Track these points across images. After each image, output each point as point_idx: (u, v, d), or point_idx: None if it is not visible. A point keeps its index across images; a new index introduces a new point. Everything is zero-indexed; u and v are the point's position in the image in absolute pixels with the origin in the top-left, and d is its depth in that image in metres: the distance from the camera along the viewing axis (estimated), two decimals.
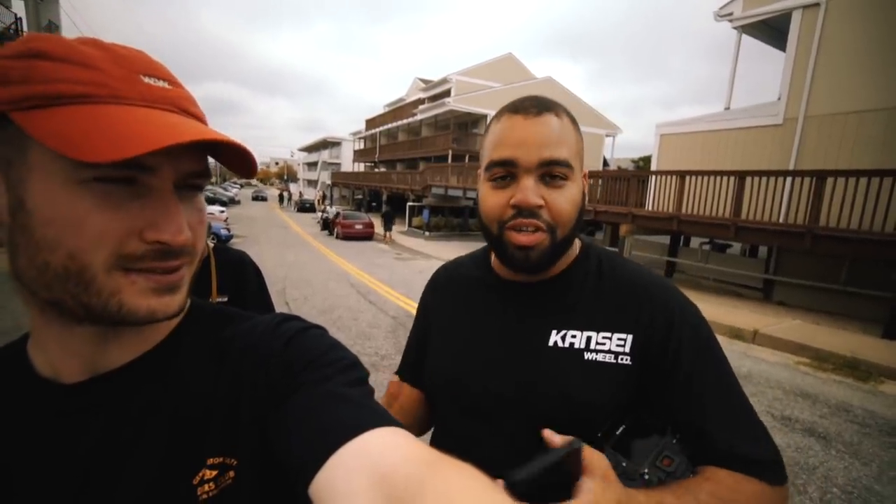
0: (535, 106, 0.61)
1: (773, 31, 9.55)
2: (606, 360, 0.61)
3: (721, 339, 0.70)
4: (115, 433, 0.38)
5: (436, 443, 0.76)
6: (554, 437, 0.55)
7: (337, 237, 17.02)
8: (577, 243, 0.70)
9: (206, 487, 0.39)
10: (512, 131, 0.60)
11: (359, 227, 16.93)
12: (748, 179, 7.34)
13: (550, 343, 0.63)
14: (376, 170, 33.81)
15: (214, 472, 0.39)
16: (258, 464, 0.40)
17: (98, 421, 0.39)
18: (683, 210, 8.22)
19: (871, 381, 4.60)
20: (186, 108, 0.39)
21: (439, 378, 0.72)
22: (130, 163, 0.32)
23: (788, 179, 7.08)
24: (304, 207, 33.79)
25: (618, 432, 0.60)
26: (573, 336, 0.63)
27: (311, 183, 51.33)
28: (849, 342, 5.56)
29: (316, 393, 0.39)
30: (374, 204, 29.62)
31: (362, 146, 39.22)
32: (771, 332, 5.85)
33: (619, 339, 0.62)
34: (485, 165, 0.64)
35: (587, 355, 0.61)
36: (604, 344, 0.62)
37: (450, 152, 22.77)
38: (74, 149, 0.30)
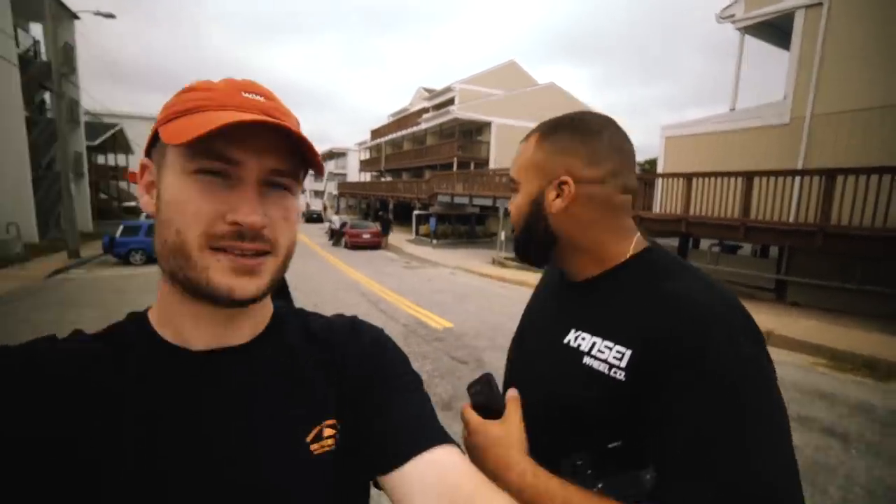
0: (532, 130, 0.74)
1: (776, 30, 9.55)
2: (600, 368, 0.59)
3: None
4: (246, 393, 0.46)
5: None
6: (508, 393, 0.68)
7: (345, 247, 17.14)
8: (626, 250, 0.67)
9: (317, 445, 0.47)
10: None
11: (366, 236, 17.05)
12: (756, 180, 7.32)
13: (565, 341, 0.67)
14: (382, 179, 34.07)
15: (323, 434, 0.47)
16: (350, 437, 0.49)
17: (231, 383, 0.46)
18: (691, 212, 8.19)
19: (892, 380, 4.53)
20: (275, 115, 0.44)
21: (507, 363, 0.82)
22: (221, 155, 0.40)
23: (797, 178, 7.05)
24: (312, 218, 34.19)
25: (610, 446, 0.57)
26: (582, 338, 0.64)
27: (318, 194, 51.75)
28: (866, 341, 5.49)
29: (404, 400, 0.51)
30: (381, 213, 29.82)
31: (368, 156, 39.53)
32: (786, 332, 5.79)
33: (617, 350, 0.58)
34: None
35: (585, 359, 0.62)
36: (603, 353, 0.60)
37: (455, 160, 22.90)
38: (169, 137, 0.40)
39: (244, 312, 0.47)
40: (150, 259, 12.21)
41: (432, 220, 18.88)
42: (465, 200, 17.64)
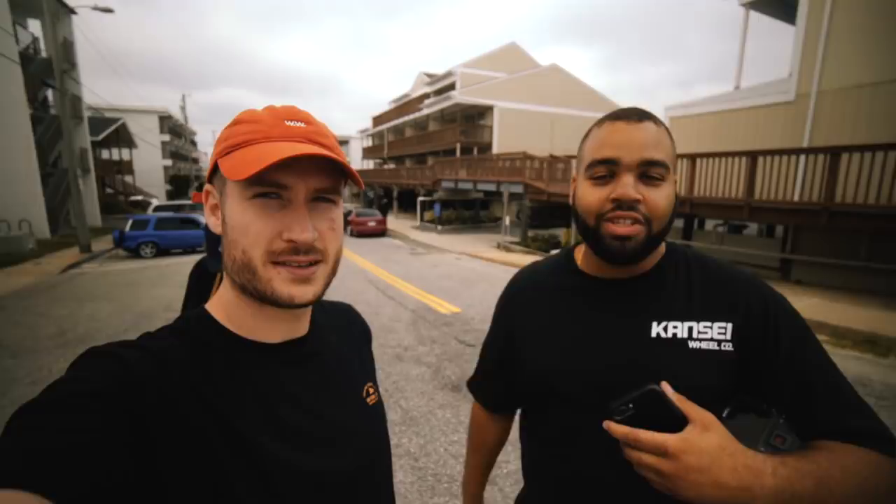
0: (636, 114, 0.67)
1: (781, 4, 9.36)
2: (711, 347, 0.65)
3: None
4: (320, 369, 0.59)
5: (533, 435, 0.81)
6: (666, 387, 0.58)
7: (351, 235, 17.26)
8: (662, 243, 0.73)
9: (368, 399, 0.64)
10: (615, 134, 0.66)
11: (372, 223, 17.14)
12: (760, 159, 7.30)
13: (653, 335, 0.67)
14: (385, 166, 33.96)
15: (370, 390, 0.65)
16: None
17: (308, 364, 0.58)
18: (696, 192, 8.19)
19: (892, 355, 4.62)
20: (315, 140, 0.51)
21: (540, 375, 0.75)
22: (274, 182, 0.47)
23: (802, 157, 7.02)
24: None
25: (724, 415, 0.63)
26: (675, 327, 0.67)
27: None
28: (868, 318, 5.55)
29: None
30: (384, 200, 29.86)
31: (370, 144, 39.36)
32: None
33: (719, 327, 0.65)
34: (585, 165, 0.69)
35: (692, 344, 0.65)
36: (705, 333, 0.65)
37: (458, 145, 22.78)
38: (231, 174, 0.47)
39: (304, 310, 0.58)
40: (160, 252, 12.43)
41: (437, 207, 18.91)
42: (470, 186, 17.65)
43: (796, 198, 7.17)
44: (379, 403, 0.66)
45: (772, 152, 7.22)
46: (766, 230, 10.42)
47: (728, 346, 0.65)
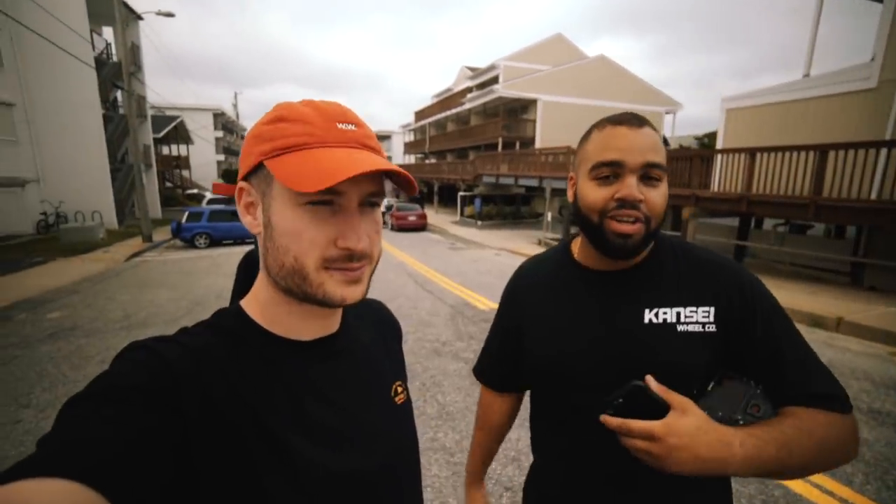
0: (636, 119, 0.73)
1: None
2: (696, 329, 0.73)
3: (799, 327, 0.75)
4: (350, 365, 0.58)
5: (540, 415, 0.89)
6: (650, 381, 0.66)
7: (392, 229, 17.53)
8: None
9: (396, 398, 0.63)
10: (618, 139, 0.71)
11: (412, 218, 17.31)
12: (832, 153, 6.69)
13: (646, 321, 0.75)
14: (427, 161, 34.18)
15: (398, 389, 0.64)
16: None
17: (339, 359, 0.58)
18: (754, 190, 7.65)
19: None
20: (366, 144, 0.51)
21: (546, 359, 0.82)
22: (329, 189, 0.46)
23: (883, 151, 6.36)
24: None
25: (709, 388, 0.71)
26: (664, 313, 0.74)
27: None
28: None
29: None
30: (424, 191, 30.09)
31: (412, 138, 39.74)
32: (858, 319, 5.37)
33: (703, 311, 0.74)
34: (590, 166, 0.74)
35: (680, 327, 0.73)
36: (691, 317, 0.74)
37: (500, 140, 22.54)
38: (294, 183, 0.45)
39: (338, 308, 0.58)
40: (213, 242, 13.16)
41: (477, 202, 18.81)
42: (511, 181, 17.41)
43: (873, 195, 6.51)
44: (407, 402, 0.66)
45: (846, 145, 6.58)
46: (833, 231, 9.59)
47: (711, 328, 0.73)
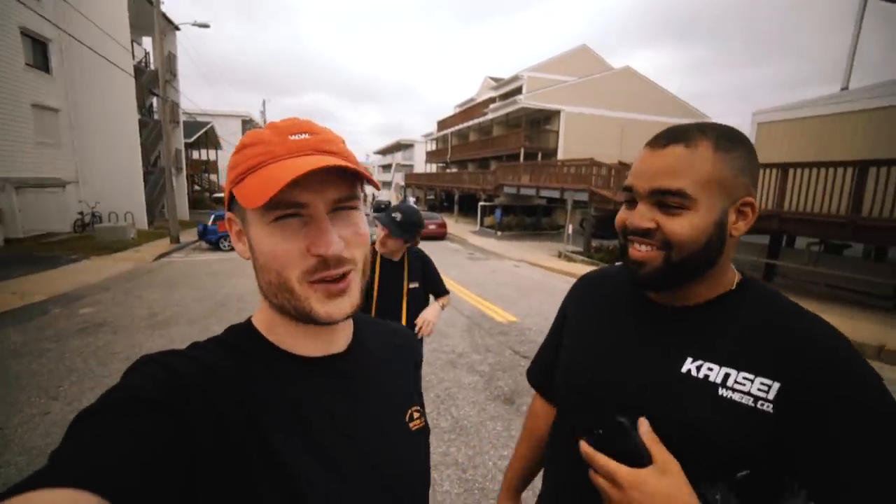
0: (664, 138, 0.64)
1: None
2: (743, 401, 0.58)
3: None
4: (357, 386, 0.57)
5: (553, 432, 0.85)
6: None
7: None
8: (734, 276, 0.69)
9: (412, 424, 0.61)
10: (638, 161, 0.67)
11: (432, 227, 17.33)
12: (872, 170, 6.39)
13: (683, 370, 0.63)
14: (448, 170, 34.35)
15: (413, 416, 0.62)
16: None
17: (352, 379, 0.57)
18: (786, 207, 7.37)
19: None
20: (322, 149, 0.50)
21: (570, 374, 0.79)
22: (293, 202, 0.46)
23: None
24: (380, 208, 35.58)
25: (739, 475, 0.58)
26: (709, 368, 0.62)
27: (386, 185, 53.57)
28: None
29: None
30: (446, 204, 30.15)
31: (434, 147, 40.05)
32: None
33: (762, 383, 0.58)
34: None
35: (722, 391, 0.60)
36: (743, 385, 0.59)
37: (522, 150, 22.45)
38: (247, 202, 0.45)
39: (342, 325, 0.57)
40: None
41: (498, 212, 18.74)
42: (532, 192, 17.30)
43: None
44: (424, 429, 0.64)
45: (891, 162, 6.29)
46: (873, 252, 9.13)
47: (767, 407, 0.57)
